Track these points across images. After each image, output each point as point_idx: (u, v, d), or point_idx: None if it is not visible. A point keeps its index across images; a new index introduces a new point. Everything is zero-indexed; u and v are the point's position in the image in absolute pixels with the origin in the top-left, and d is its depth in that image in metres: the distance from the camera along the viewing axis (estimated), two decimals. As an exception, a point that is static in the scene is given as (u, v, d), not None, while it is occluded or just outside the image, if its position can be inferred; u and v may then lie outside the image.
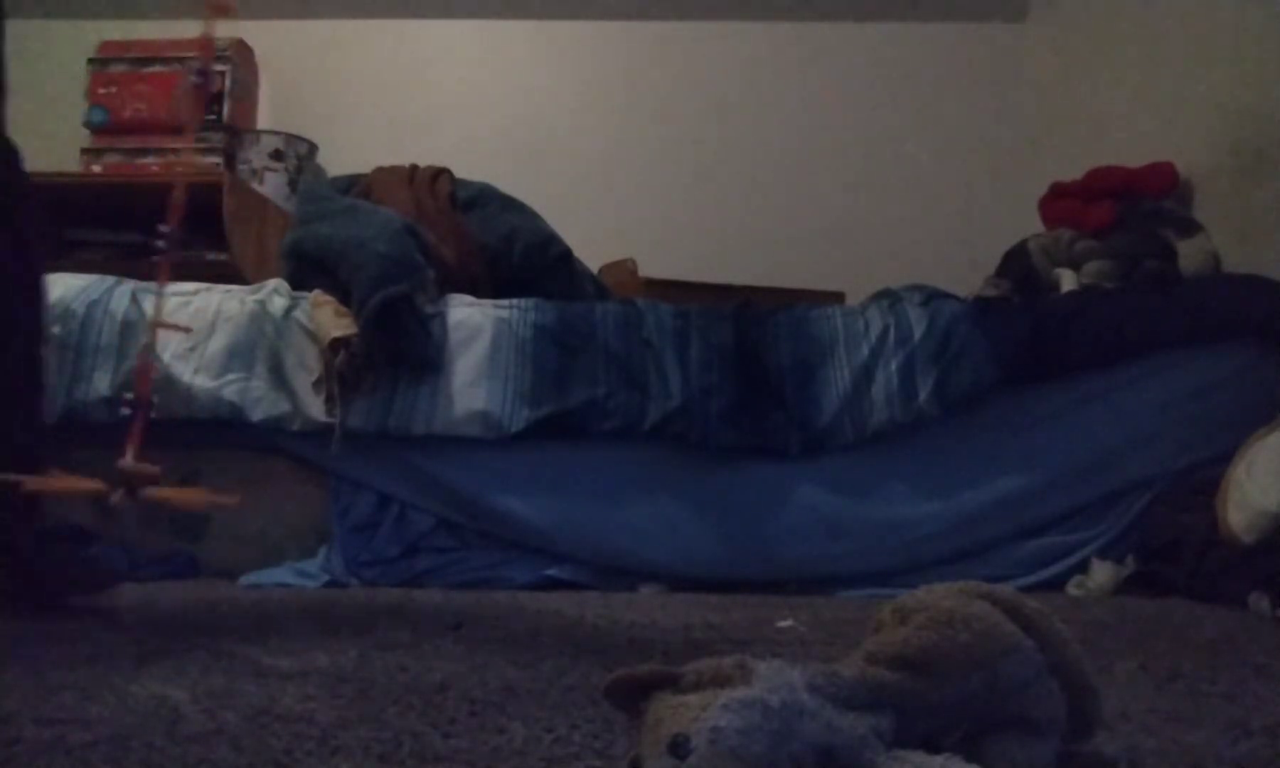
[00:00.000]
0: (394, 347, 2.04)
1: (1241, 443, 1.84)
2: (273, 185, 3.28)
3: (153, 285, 2.18)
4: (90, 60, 3.35)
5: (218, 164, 3.24)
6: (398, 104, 3.64)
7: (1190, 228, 2.34)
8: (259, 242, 3.08)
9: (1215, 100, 2.45)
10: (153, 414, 1.28)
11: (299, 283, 2.19)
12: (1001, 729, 0.72)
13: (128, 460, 1.23)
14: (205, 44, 1.41)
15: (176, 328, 1.52)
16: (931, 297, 2.22)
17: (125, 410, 1.28)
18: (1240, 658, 1.32)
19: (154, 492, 1.18)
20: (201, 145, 3.27)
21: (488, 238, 2.42)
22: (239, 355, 2.08)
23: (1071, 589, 2.00)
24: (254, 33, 3.50)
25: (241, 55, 3.40)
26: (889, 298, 2.26)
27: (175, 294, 2.19)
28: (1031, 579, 2.00)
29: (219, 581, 1.95)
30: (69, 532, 2.06)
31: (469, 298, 2.21)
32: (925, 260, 3.20)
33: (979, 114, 3.64)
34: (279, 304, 2.13)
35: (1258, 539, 1.74)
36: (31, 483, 1.15)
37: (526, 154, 3.56)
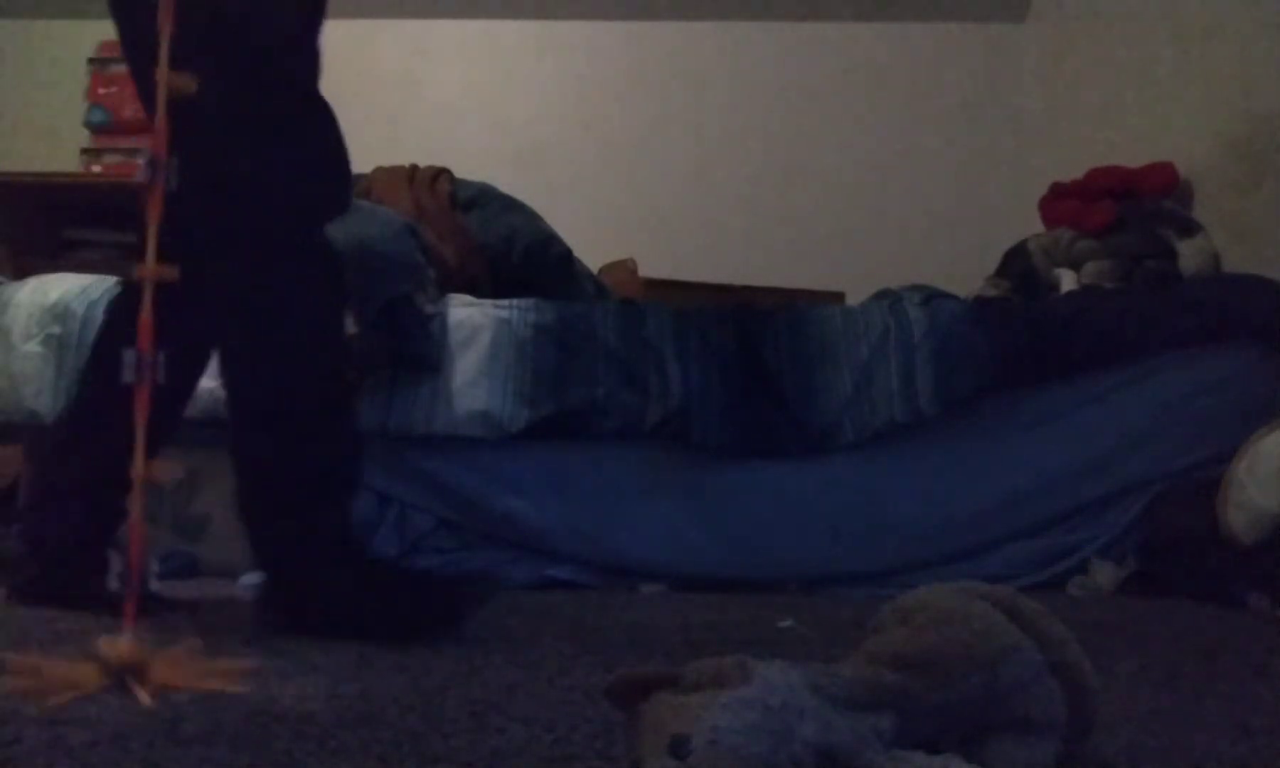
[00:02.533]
0: (394, 347, 2.04)
1: (1241, 443, 1.84)
2: (273, 185, 3.28)
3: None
4: (90, 60, 3.35)
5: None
6: (398, 104, 3.65)
7: (1190, 228, 2.34)
8: (259, 242, 3.08)
9: (1215, 100, 2.45)
10: (153, 585, 1.07)
11: (299, 283, 2.19)
12: (1001, 729, 0.72)
13: (122, 642, 1.00)
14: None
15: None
16: (931, 297, 2.22)
17: (115, 583, 1.07)
18: (1240, 658, 1.32)
19: (155, 681, 0.99)
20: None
21: (488, 238, 2.42)
22: (239, 355, 2.08)
23: (1071, 589, 2.00)
24: (254, 33, 3.49)
25: (241, 55, 3.40)
26: (889, 298, 2.26)
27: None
28: (1031, 579, 2.00)
29: (219, 580, 1.95)
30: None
31: (469, 298, 2.20)
32: (925, 260, 3.20)
33: (979, 114, 3.64)
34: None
35: (1258, 539, 1.74)
36: (16, 664, 1.03)
37: (526, 154, 3.56)
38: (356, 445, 1.45)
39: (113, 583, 1.05)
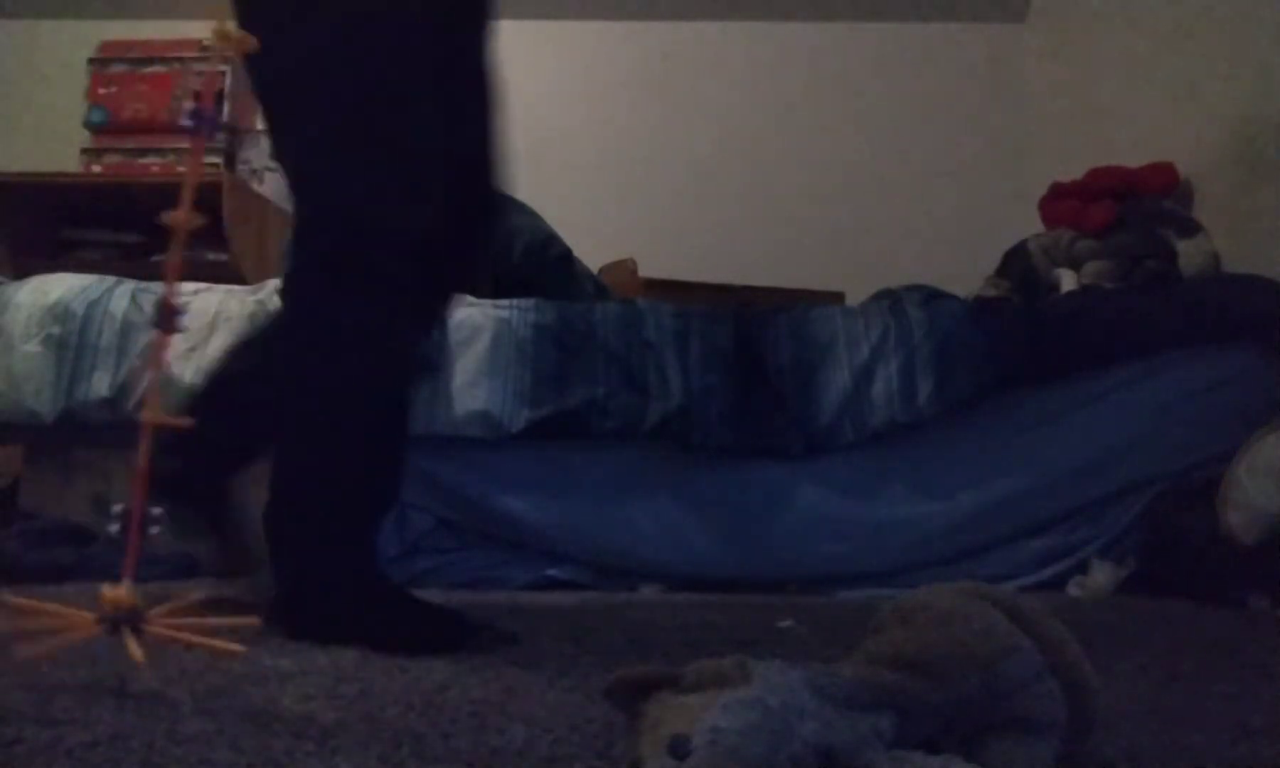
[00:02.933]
0: (394, 347, 2.04)
1: (1241, 443, 1.84)
2: (273, 185, 3.28)
3: (155, 285, 2.21)
4: (90, 60, 3.35)
5: (218, 164, 3.24)
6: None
7: (1190, 228, 2.34)
8: (259, 242, 3.08)
9: (1215, 100, 2.45)
10: (153, 529, 1.02)
11: (299, 283, 2.19)
12: (1001, 730, 0.72)
13: (121, 589, 0.95)
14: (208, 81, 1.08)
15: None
16: (931, 297, 2.22)
17: (115, 525, 1.00)
18: (1240, 658, 1.32)
19: (156, 629, 0.95)
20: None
21: (488, 238, 2.42)
22: (239, 355, 2.08)
23: (1071, 589, 2.00)
24: (254, 33, 3.50)
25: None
26: (889, 298, 2.26)
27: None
28: (1031, 579, 2.00)
29: (218, 581, 1.94)
30: (67, 530, 2.06)
31: (469, 298, 2.20)
32: (925, 260, 3.20)
33: (979, 114, 3.64)
34: (279, 304, 2.13)
35: (1258, 539, 1.74)
36: (15, 604, 1.00)
37: (526, 154, 3.55)
38: (400, 470, 1.46)
39: (112, 527, 1.02)
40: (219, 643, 0.94)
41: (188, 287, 2.21)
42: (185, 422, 1.04)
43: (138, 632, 0.92)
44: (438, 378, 2.06)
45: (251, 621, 1.04)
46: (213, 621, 1.00)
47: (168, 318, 1.01)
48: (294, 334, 1.39)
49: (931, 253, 3.37)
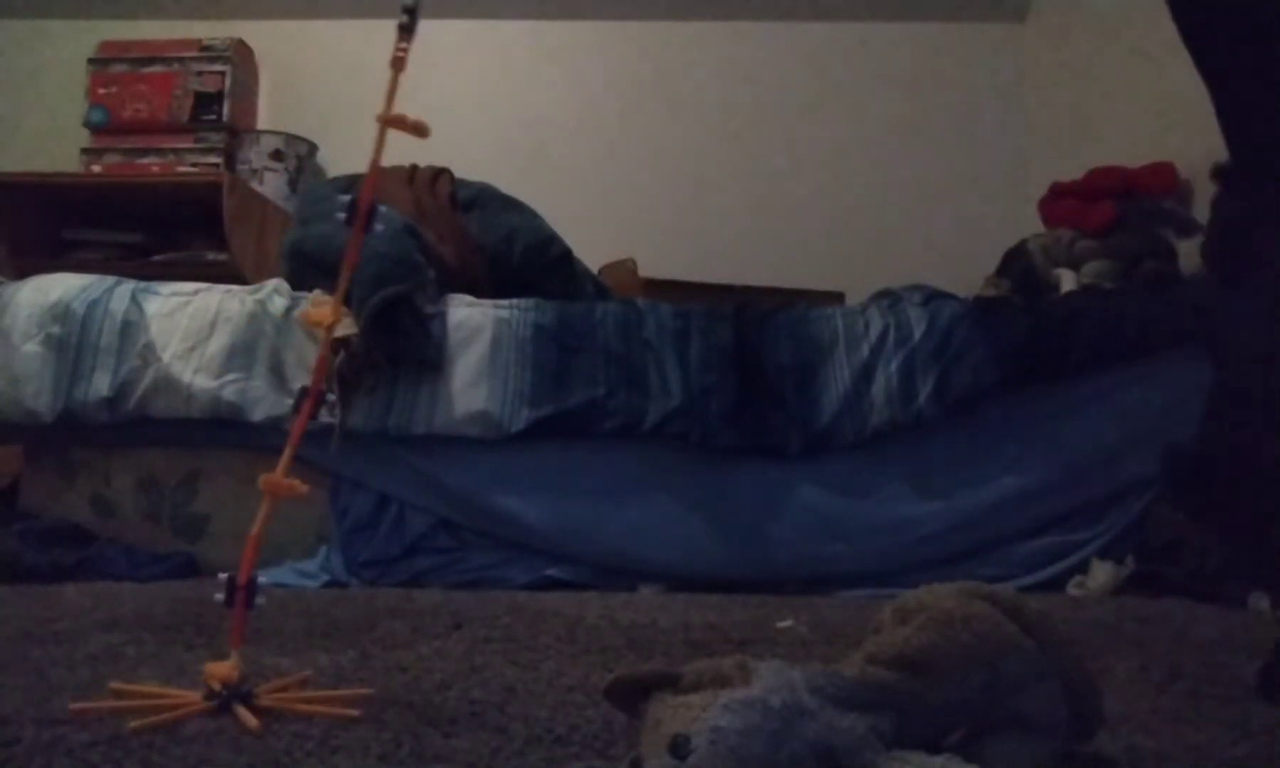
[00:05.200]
0: (394, 347, 2.04)
1: (1241, 443, 1.83)
2: (273, 185, 3.28)
3: (155, 285, 2.21)
4: (90, 60, 3.35)
5: (218, 164, 3.24)
6: (398, 104, 3.64)
7: (1190, 228, 2.34)
8: (259, 242, 3.08)
9: (1215, 100, 2.44)
10: (259, 599, 0.98)
11: (299, 283, 2.20)
12: (1001, 729, 0.72)
13: (227, 665, 0.93)
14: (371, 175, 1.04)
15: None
16: (931, 297, 2.22)
17: (220, 594, 0.97)
18: (1240, 658, 1.32)
19: (266, 702, 0.92)
20: (201, 145, 3.28)
21: (488, 238, 2.42)
22: (239, 355, 2.08)
23: (1071, 589, 2.00)
24: (254, 33, 3.50)
25: (241, 55, 3.40)
26: (889, 298, 2.26)
27: (175, 294, 2.19)
28: (1031, 579, 2.00)
29: (217, 581, 1.94)
30: (67, 531, 2.06)
31: (469, 298, 2.21)
32: (925, 260, 3.20)
33: (979, 114, 3.64)
34: (279, 304, 2.13)
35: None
36: (121, 689, 0.94)
37: (526, 154, 3.56)
38: None
39: (218, 595, 0.97)
40: (333, 710, 0.92)
41: (187, 287, 2.21)
42: (301, 489, 0.99)
43: (248, 704, 0.91)
44: (438, 378, 2.07)
45: (361, 691, 1.01)
46: (323, 693, 0.98)
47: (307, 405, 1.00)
48: None
49: (931, 253, 3.37)
